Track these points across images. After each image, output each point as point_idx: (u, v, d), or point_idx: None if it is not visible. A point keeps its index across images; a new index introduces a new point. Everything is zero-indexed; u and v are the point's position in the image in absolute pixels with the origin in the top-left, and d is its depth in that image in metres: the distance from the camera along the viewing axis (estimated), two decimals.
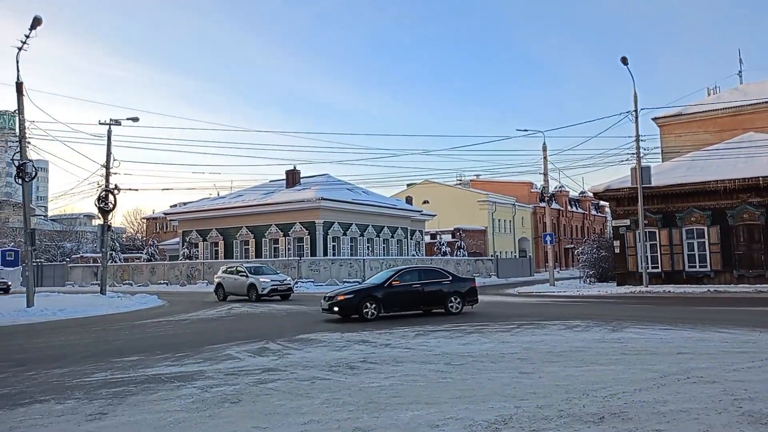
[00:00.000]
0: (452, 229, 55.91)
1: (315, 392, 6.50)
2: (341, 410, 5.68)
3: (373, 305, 14.26)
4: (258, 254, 39.26)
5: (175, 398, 6.37)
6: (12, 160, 21.11)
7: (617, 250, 28.53)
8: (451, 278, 15.61)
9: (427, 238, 52.45)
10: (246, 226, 40.44)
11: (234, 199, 42.72)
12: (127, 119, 27.82)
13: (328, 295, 14.98)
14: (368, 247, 41.57)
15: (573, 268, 57.18)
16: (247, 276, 24.95)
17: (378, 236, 42.57)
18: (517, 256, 62.39)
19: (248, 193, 42.82)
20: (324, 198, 37.17)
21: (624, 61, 26.22)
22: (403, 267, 16.80)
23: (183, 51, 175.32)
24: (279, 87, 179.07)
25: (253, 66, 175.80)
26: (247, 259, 36.73)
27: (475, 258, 49.36)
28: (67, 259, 56.24)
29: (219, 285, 26.10)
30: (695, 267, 26.35)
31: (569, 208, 76.17)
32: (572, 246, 69.17)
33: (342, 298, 14.42)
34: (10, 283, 34.98)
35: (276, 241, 39.28)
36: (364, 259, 36.57)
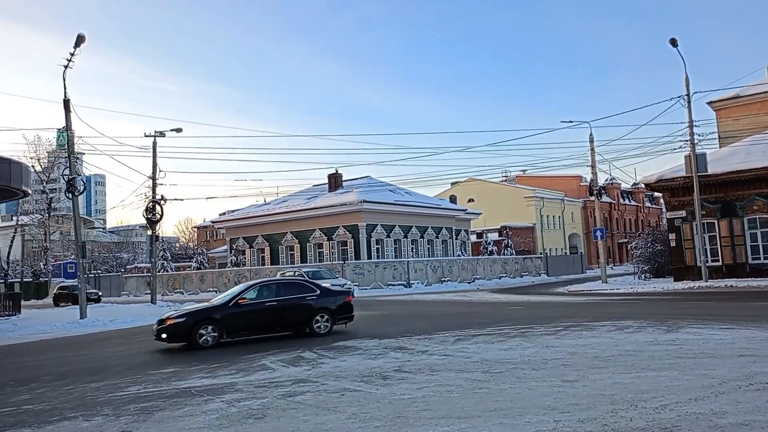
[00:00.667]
0: (499, 227, 54.88)
1: (343, 406, 6.23)
2: (367, 426, 5.38)
3: (212, 329, 12.03)
4: (303, 259, 39.52)
5: (201, 414, 6.22)
6: (61, 175, 21.87)
7: (673, 244, 27.18)
8: (318, 292, 13.35)
9: (473, 237, 51.64)
10: (290, 232, 40.80)
11: (278, 205, 43.20)
12: (171, 130, 28.47)
13: (161, 317, 12.66)
14: (412, 248, 41.19)
15: (627, 264, 55.13)
16: None
17: (422, 237, 42.14)
18: (568, 253, 60.69)
19: (292, 198, 43.24)
20: (366, 200, 37.06)
21: (673, 42, 24.97)
22: (258, 281, 14.15)
23: (225, 61, 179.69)
24: (322, 92, 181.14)
25: (296, 73, 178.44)
26: (292, 265, 36.99)
27: (524, 256, 48.27)
28: (122, 270, 58.25)
29: None
30: (759, 259, 24.79)
31: (621, 200, 73.59)
32: (626, 240, 66.80)
33: (172, 322, 12.12)
34: (100, 293, 35.72)
35: (320, 246, 39.44)
36: (408, 261, 36.24)
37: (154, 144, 28.61)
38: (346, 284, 24.85)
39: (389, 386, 7.10)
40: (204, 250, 57.70)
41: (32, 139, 47.00)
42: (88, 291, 35.05)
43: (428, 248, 42.72)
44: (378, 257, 37.67)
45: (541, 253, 52.52)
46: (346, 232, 37.91)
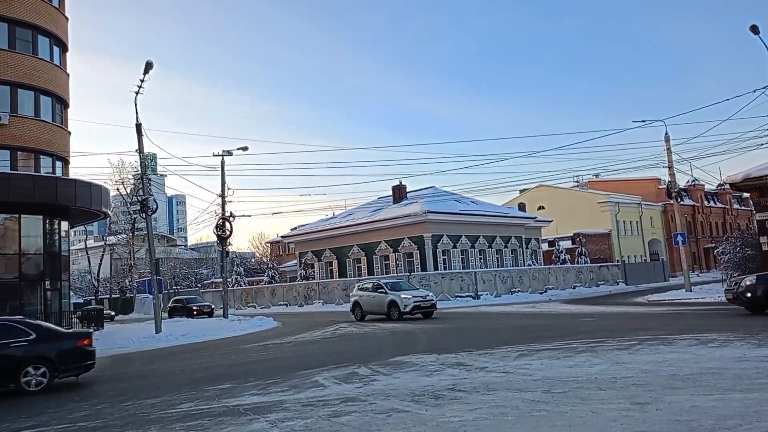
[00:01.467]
0: (571, 234, 52.75)
1: (387, 428, 5.87)
2: None
3: None
4: (369, 271, 39.49)
5: None
6: (135, 195, 22.95)
7: (765, 248, 24.92)
8: (33, 336, 10.32)
9: (545, 246, 49.86)
10: (357, 244, 40.92)
11: (345, 219, 43.51)
12: (238, 149, 29.28)
13: None
14: (480, 258, 40.22)
15: (715, 271, 51.47)
16: (386, 293, 22.94)
17: (490, 247, 41.09)
18: (648, 260, 57.42)
19: (357, 211, 43.43)
20: (430, 211, 36.58)
21: (754, 30, 23.06)
22: None
23: (288, 78, 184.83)
24: (385, 105, 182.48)
25: (359, 87, 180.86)
26: (360, 277, 37.02)
27: (599, 264, 46.03)
28: (199, 285, 60.60)
29: (356, 304, 24.37)
30: None
31: (706, 203, 69.06)
32: (713, 245, 62.48)
33: None
34: (213, 306, 36.25)
35: (386, 258, 39.29)
36: (475, 272, 35.36)
37: (222, 163, 29.58)
38: (428, 295, 22.95)
39: (440, 407, 6.68)
40: (275, 265, 59.00)
41: (116, 163, 49.83)
42: (201, 304, 36.21)
43: (497, 258, 41.59)
44: (444, 268, 37.01)
45: (618, 261, 49.96)
46: (412, 244, 37.56)
